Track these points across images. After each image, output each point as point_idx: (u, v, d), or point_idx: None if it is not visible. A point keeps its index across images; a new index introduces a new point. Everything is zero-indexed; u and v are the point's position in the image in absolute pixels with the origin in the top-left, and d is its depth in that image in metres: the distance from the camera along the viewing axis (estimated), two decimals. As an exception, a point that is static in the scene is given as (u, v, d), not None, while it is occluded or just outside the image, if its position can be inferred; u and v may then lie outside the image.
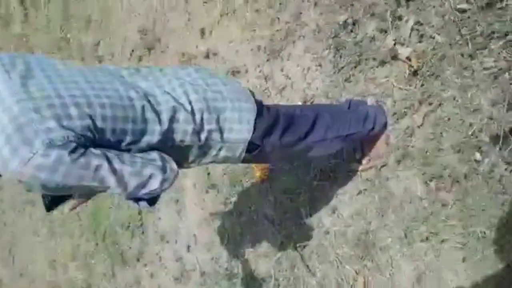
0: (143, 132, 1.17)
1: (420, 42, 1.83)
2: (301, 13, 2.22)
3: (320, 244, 2.20)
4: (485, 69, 1.63)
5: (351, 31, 2.03)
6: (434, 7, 1.76)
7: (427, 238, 1.85)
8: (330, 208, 2.17)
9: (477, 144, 1.66)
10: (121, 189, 1.12)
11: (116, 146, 1.12)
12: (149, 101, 1.19)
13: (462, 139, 1.71)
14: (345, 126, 1.69)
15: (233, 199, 2.64)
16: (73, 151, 1.01)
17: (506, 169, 1.58)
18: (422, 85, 1.83)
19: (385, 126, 1.92)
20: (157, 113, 1.19)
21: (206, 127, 1.29)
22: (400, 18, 1.88)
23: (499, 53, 1.58)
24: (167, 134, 1.22)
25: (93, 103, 1.08)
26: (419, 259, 1.88)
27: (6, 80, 1.05)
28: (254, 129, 1.37)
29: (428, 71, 1.80)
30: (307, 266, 2.25)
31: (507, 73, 1.55)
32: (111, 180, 1.09)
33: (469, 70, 1.68)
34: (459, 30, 1.70)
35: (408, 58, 1.85)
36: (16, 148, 0.98)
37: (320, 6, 2.14)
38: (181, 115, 1.23)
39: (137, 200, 1.23)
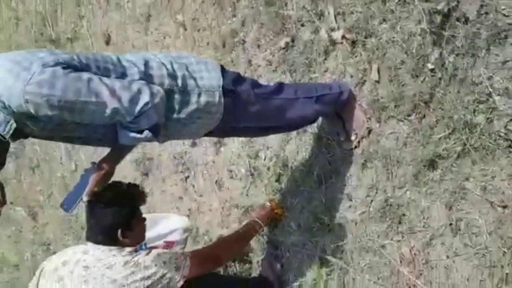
0: (124, 74, 1.38)
1: (345, 20, 2.15)
2: (250, 60, 2.58)
3: (354, 237, 2.19)
4: (398, 1, 1.92)
5: (293, 46, 2.37)
6: (341, -11, 2.14)
7: (434, 166, 1.90)
8: (346, 199, 2.22)
9: (425, 58, 1.86)
10: (116, 102, 1.27)
11: None
12: (122, 56, 1.43)
13: (413, 64, 1.91)
14: (312, 89, 1.90)
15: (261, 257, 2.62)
16: (65, 68, 1.22)
17: (454, 57, 1.76)
18: (364, 49, 2.09)
19: (353, 96, 2.12)
20: (132, 62, 1.42)
21: (179, 73, 1.50)
22: (322, 14, 2.23)
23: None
24: (146, 78, 1.42)
25: (74, 52, 1.32)
26: (439, 191, 1.90)
27: None
28: (224, 78, 1.58)
29: (362, 35, 2.08)
30: (354, 268, 2.19)
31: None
32: (105, 93, 1.26)
33: (389, 12, 1.97)
34: (368, -7, 2.04)
35: (343, 37, 2.15)
36: (18, 74, 1.19)
37: (262, 44, 2.51)
38: (154, 64, 1.46)
39: (140, 132, 1.37)
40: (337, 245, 2.24)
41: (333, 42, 2.19)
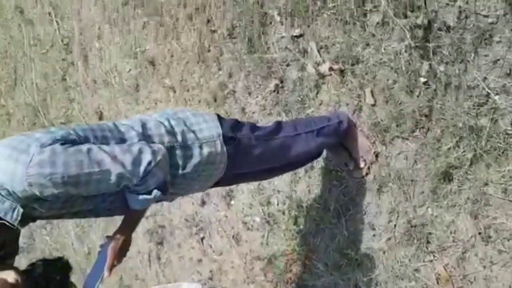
0: (123, 139, 1.36)
1: (329, 52, 2.17)
2: (244, 108, 2.59)
3: (385, 267, 2.11)
4: (377, 24, 1.94)
5: (283, 87, 2.38)
6: (317, 24, 2.17)
7: (450, 177, 1.87)
8: (369, 229, 2.16)
9: (416, 73, 1.86)
10: (119, 167, 1.25)
11: None
12: (117, 122, 1.42)
13: (405, 81, 1.90)
14: (311, 123, 1.89)
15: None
16: (63, 144, 1.21)
17: (444, 66, 1.76)
18: (354, 76, 2.10)
19: (353, 123, 2.10)
20: (129, 126, 1.40)
21: (177, 129, 1.49)
22: (306, 50, 2.25)
23: (381, 7, 1.92)
24: (145, 139, 1.40)
25: (69, 126, 1.32)
26: (460, 202, 1.86)
27: None
28: (222, 126, 1.58)
29: (348, 64, 2.10)
30: (391, 299, 2.10)
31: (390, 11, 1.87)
32: (107, 161, 1.24)
33: (370, 36, 1.98)
34: (346, 22, 2.06)
35: (331, 68, 2.16)
36: (17, 159, 1.18)
37: (252, 91, 2.53)
38: (151, 124, 1.45)
39: (149, 193, 1.34)
40: (370, 278, 2.16)
41: (322, 75, 2.21)
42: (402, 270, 2.05)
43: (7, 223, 1.24)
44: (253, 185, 2.66)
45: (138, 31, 3.18)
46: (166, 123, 1.49)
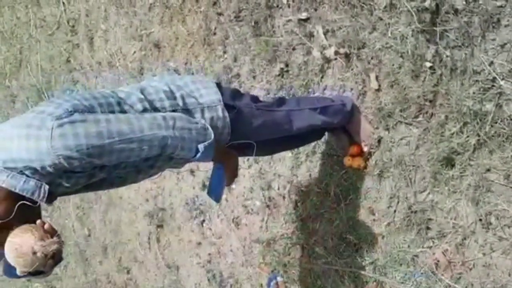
0: (124, 104, 1.36)
1: (335, 36, 2.16)
2: (248, 92, 2.58)
3: (384, 252, 2.11)
4: (384, 8, 1.93)
5: (288, 71, 2.37)
6: (324, 7, 2.16)
7: (452, 163, 1.86)
8: (368, 214, 2.16)
9: (421, 57, 1.85)
10: (138, 132, 1.26)
11: None
12: (115, 89, 1.42)
13: (410, 66, 1.90)
14: (315, 101, 1.90)
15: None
16: (79, 113, 1.21)
17: (450, 51, 1.75)
18: (359, 60, 2.09)
19: (357, 108, 2.10)
20: (128, 93, 1.40)
21: (177, 93, 1.49)
22: (312, 34, 2.25)
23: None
24: (147, 104, 1.40)
25: (72, 96, 1.31)
26: (461, 188, 1.85)
27: None
28: (222, 94, 1.58)
29: (354, 48, 2.09)
30: (390, 285, 2.11)
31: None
32: (125, 128, 1.24)
33: (377, 21, 1.98)
34: (353, 6, 2.05)
35: (336, 53, 2.16)
36: (36, 135, 1.16)
37: (257, 75, 2.52)
38: (150, 89, 1.45)
39: (197, 151, 1.38)
40: (368, 263, 2.16)
41: (327, 60, 2.20)
42: (401, 255, 2.06)
43: (29, 203, 1.22)
44: (254, 169, 2.66)
45: (144, 13, 3.17)
46: (166, 88, 1.48)
